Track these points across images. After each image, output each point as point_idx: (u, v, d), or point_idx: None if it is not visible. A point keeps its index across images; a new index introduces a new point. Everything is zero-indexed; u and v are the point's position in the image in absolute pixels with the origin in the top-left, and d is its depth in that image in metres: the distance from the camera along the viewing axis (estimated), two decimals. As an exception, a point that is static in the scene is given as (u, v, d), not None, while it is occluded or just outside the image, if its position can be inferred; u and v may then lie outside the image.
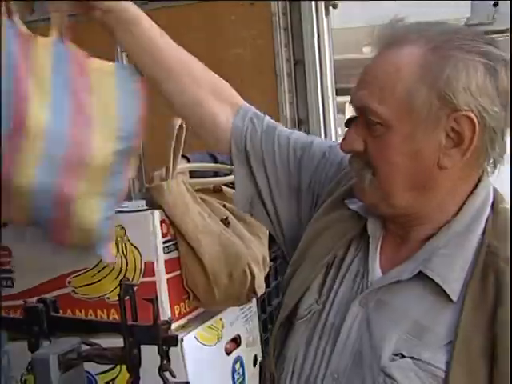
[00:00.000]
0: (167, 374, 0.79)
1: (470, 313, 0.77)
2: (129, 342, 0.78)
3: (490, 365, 0.75)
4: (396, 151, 0.81)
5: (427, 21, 0.84)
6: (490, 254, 0.80)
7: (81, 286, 1.29)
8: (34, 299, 0.97)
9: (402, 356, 0.78)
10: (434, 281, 0.80)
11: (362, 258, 0.89)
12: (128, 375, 1.20)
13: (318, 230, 0.93)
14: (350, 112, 0.95)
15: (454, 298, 0.79)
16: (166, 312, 1.23)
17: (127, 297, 0.79)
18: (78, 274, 1.29)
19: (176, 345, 0.79)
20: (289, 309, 0.89)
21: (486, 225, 0.82)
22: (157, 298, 0.82)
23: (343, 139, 0.86)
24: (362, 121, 0.83)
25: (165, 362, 0.78)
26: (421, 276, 0.82)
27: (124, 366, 1.22)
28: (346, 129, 0.87)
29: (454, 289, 0.79)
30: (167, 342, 0.78)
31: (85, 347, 0.85)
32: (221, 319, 1.38)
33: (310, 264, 0.91)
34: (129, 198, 2.15)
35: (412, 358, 0.78)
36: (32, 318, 0.84)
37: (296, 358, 0.89)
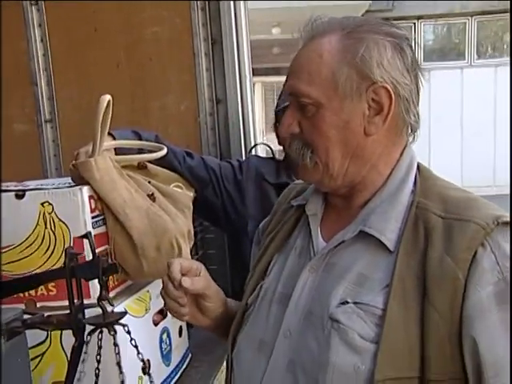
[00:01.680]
0: (105, 303, 0.84)
1: (403, 258, 0.88)
2: (74, 307, 0.82)
3: (422, 299, 0.84)
4: (329, 125, 0.92)
5: (342, 16, 0.98)
6: (420, 208, 0.92)
7: (8, 263, 1.29)
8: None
9: (347, 302, 0.88)
10: (373, 236, 0.90)
11: (304, 237, 0.99)
12: (59, 348, 1.24)
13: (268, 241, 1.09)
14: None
15: (391, 247, 0.91)
16: (95, 286, 1.26)
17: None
18: (5, 250, 1.29)
19: (117, 271, 0.84)
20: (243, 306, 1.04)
21: (414, 186, 0.92)
22: (90, 233, 0.87)
23: (280, 126, 0.96)
24: (295, 106, 0.96)
25: (104, 292, 0.83)
26: (362, 235, 0.93)
27: (55, 340, 1.27)
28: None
29: (390, 239, 0.90)
30: (107, 271, 0.83)
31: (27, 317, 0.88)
32: (148, 291, 1.42)
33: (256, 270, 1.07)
34: (45, 176, 2.16)
35: (355, 302, 0.87)
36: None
37: (248, 326, 0.97)
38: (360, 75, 0.91)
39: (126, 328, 0.85)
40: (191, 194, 1.60)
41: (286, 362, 0.93)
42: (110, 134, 1.48)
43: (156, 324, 1.43)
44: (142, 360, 0.89)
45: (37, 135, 2.21)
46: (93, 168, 1.31)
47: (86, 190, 1.28)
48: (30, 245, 1.29)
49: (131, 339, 0.87)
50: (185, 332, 1.59)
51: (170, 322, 1.51)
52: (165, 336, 1.47)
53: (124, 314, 0.86)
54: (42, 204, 1.27)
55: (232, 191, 1.78)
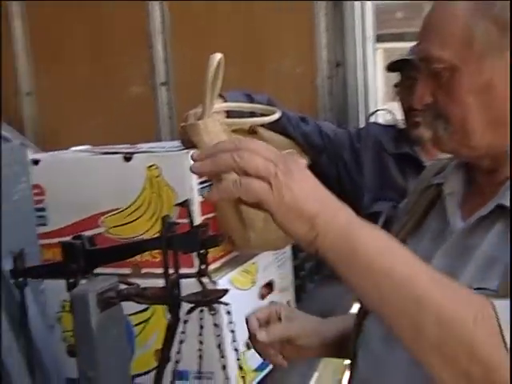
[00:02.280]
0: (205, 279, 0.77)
1: None
2: (170, 281, 0.75)
3: None
4: (466, 91, 0.80)
5: None
6: None
7: (114, 227, 1.27)
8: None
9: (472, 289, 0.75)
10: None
11: (440, 218, 0.88)
12: (162, 316, 1.20)
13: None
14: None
15: None
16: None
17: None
18: (111, 213, 1.27)
19: (217, 244, 0.76)
20: None
21: None
22: (189, 201, 0.79)
23: (414, 96, 0.85)
24: (426, 73, 0.84)
25: (203, 266, 0.75)
26: (500, 213, 0.80)
27: (158, 308, 1.24)
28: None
29: None
30: (206, 243, 0.75)
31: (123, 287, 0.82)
32: (254, 263, 1.35)
33: None
34: (158, 140, 2.14)
35: (478, 288, 0.74)
36: (69, 255, 0.81)
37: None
38: (499, 26, 0.79)
39: (227, 307, 0.78)
40: (304, 162, 1.50)
41: None
42: (220, 95, 1.41)
43: (263, 297, 1.37)
44: (236, 349, 0.81)
45: (152, 98, 2.19)
46: (201, 131, 1.25)
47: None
48: (137, 209, 1.25)
49: (230, 322, 0.79)
50: (293, 306, 1.51)
51: (278, 295, 1.44)
52: (271, 311, 1.40)
53: (226, 291, 0.78)
54: (149, 167, 1.23)
55: (348, 160, 1.67)
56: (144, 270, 1.24)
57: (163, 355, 0.79)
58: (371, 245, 0.66)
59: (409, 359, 0.75)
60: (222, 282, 1.21)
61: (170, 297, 0.76)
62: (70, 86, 2.23)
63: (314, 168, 1.64)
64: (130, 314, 1.25)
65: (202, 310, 0.78)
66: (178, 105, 2.17)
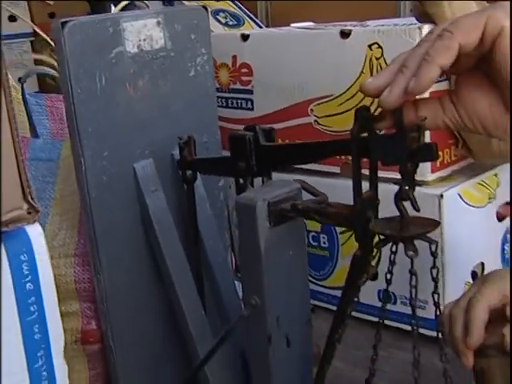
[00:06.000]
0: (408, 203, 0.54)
1: None
2: (361, 199, 0.54)
3: None
4: None
5: None
6: None
7: (325, 116, 1.08)
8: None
9: None
10: None
11: None
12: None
13: None
14: None
15: None
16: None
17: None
18: (322, 100, 1.08)
19: (433, 157, 0.52)
20: None
21: None
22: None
23: None
24: None
25: (406, 187, 0.53)
26: None
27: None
28: None
29: None
30: (418, 154, 0.52)
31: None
32: (496, 175, 1.07)
33: None
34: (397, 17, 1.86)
35: None
36: (238, 151, 0.64)
37: None
38: None
39: (433, 247, 0.55)
40: None
41: None
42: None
43: (501, 219, 1.09)
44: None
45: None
46: (443, 1, 0.97)
47: (426, 29, 0.95)
48: (352, 97, 1.04)
49: (433, 266, 0.56)
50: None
51: (521, 217, 1.15)
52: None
53: (436, 224, 0.55)
54: (370, 46, 1.00)
55: None
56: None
57: (345, 293, 0.60)
58: None
59: None
60: (449, 195, 0.97)
61: (358, 220, 0.56)
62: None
63: None
64: (341, 232, 1.08)
65: (396, 243, 0.56)
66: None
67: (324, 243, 1.12)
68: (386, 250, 0.58)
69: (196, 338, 0.72)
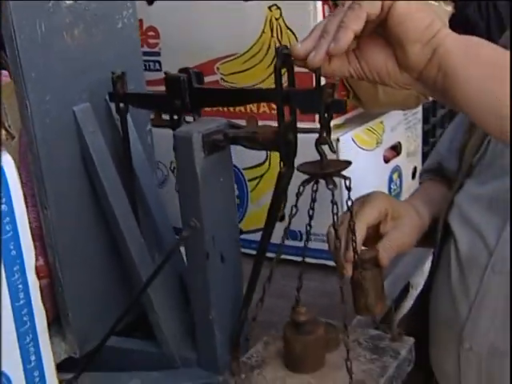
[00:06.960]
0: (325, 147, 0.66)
1: None
2: (283, 125, 0.65)
3: None
4: None
5: None
6: None
7: (230, 74, 1.17)
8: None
9: None
10: None
11: None
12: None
13: None
14: None
15: None
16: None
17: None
18: (227, 59, 1.17)
19: (343, 109, 0.64)
20: None
21: None
22: None
23: None
24: None
25: (324, 134, 0.64)
26: None
27: (274, 163, 1.16)
28: None
29: None
30: (332, 107, 0.63)
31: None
32: (381, 122, 1.22)
33: None
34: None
35: None
36: (174, 90, 0.73)
37: None
38: None
39: (348, 182, 0.67)
40: (448, 9, 1.30)
41: None
42: None
43: (387, 161, 1.25)
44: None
45: None
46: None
47: (320, -8, 1.07)
48: (254, 55, 1.14)
49: (348, 198, 0.68)
50: (418, 175, 1.38)
51: (405, 161, 1.31)
52: (396, 176, 1.28)
53: (348, 163, 0.67)
54: (270, 8, 1.10)
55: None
56: (261, 123, 1.15)
57: (271, 211, 0.71)
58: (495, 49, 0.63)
59: None
60: (344, 139, 1.11)
61: (283, 141, 0.66)
62: None
63: (458, 18, 1.43)
64: (245, 168, 1.19)
65: (317, 182, 0.68)
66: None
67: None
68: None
69: (138, 264, 0.79)
